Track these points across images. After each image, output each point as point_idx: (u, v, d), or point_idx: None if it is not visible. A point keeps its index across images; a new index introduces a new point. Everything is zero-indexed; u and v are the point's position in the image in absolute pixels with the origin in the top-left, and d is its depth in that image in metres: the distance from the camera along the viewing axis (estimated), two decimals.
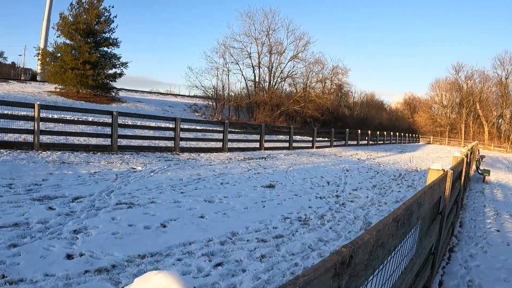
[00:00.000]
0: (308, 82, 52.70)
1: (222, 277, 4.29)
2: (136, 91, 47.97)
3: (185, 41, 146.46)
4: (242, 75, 50.65)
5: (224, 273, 4.38)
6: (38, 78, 43.75)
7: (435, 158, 26.46)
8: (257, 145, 20.28)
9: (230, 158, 15.22)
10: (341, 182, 11.68)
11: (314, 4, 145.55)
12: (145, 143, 15.36)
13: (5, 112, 12.30)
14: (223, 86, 45.76)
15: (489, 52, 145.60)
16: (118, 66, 34.73)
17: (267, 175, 11.74)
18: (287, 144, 22.74)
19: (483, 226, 8.00)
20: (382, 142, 41.61)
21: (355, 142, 33.12)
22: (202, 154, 15.65)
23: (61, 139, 13.15)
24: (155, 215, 6.33)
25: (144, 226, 5.68)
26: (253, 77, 50.09)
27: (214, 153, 16.50)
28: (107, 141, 13.74)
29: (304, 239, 5.95)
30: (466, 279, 5.04)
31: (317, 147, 25.52)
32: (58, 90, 32.30)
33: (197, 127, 21.80)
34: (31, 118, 11.83)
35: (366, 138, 35.88)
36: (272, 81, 50.05)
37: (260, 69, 49.92)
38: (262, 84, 50.11)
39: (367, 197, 9.88)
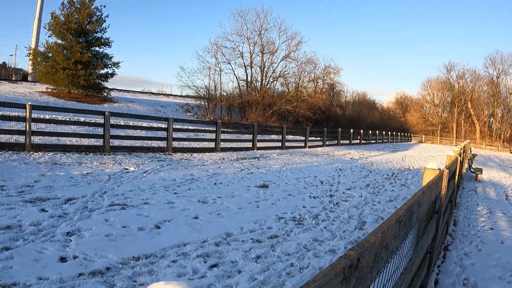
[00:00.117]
0: (300, 81, 52.74)
1: (218, 278, 4.26)
2: (128, 91, 47.76)
3: (177, 40, 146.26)
4: (234, 74, 50.75)
5: (219, 275, 4.35)
6: (29, 78, 43.49)
7: (427, 157, 26.57)
8: (249, 145, 20.25)
9: (223, 158, 15.18)
10: (335, 182, 11.68)
11: (306, 4, 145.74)
12: (138, 143, 15.28)
13: None
14: (215, 86, 45.72)
15: (481, 52, 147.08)
16: (110, 66, 34.57)
17: (261, 175, 11.72)
18: (279, 144, 22.72)
19: (477, 225, 8.03)
20: (374, 141, 41.71)
21: (347, 142, 33.17)
22: (195, 154, 15.60)
23: (53, 140, 13.05)
24: (148, 216, 6.29)
25: (138, 228, 5.64)
26: (245, 77, 50.05)
27: (207, 153, 16.45)
28: (99, 142, 13.65)
29: (299, 239, 5.94)
30: (462, 278, 5.05)
31: (309, 147, 25.53)
32: (50, 90, 32.09)
33: (190, 127, 21.74)
34: (23, 119, 11.71)
35: (359, 138, 35.95)
36: (264, 81, 50.06)
37: (252, 68, 49.90)
38: (254, 84, 50.05)
39: (361, 196, 9.89)
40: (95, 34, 33.69)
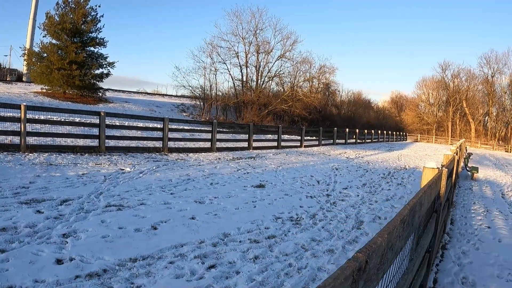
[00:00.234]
0: (296, 81, 52.75)
1: (216, 279, 4.23)
2: (123, 91, 47.64)
3: (172, 40, 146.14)
4: (230, 74, 50.42)
5: (217, 276, 4.32)
6: (24, 78, 43.23)
7: (423, 156, 26.62)
8: (245, 144, 20.22)
9: (219, 158, 15.15)
10: (331, 181, 11.68)
11: (301, 3, 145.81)
12: (133, 143, 15.23)
13: None
14: (210, 86, 45.58)
15: (476, 51, 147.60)
16: (105, 66, 34.38)
17: (257, 174, 11.69)
18: (275, 144, 22.71)
19: (474, 223, 8.04)
20: (370, 140, 41.79)
21: (343, 141, 33.20)
22: (190, 154, 15.55)
23: (48, 141, 12.98)
24: (145, 217, 6.26)
25: (134, 229, 5.60)
26: (240, 77, 49.95)
27: (203, 153, 16.41)
28: (95, 142, 13.59)
29: (296, 239, 5.92)
30: (460, 276, 5.05)
31: (305, 146, 25.53)
32: (45, 90, 31.94)
33: (185, 127, 21.67)
34: (17, 120, 11.64)
35: (354, 137, 36.00)
36: (259, 81, 49.98)
37: (248, 68, 49.82)
38: (249, 84, 49.98)
39: (358, 195, 9.89)
40: (90, 34, 33.52)
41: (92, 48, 33.95)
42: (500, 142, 67.56)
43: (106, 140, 13.75)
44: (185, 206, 7.17)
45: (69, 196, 7.03)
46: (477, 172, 15.82)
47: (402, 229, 1.71)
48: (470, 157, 19.24)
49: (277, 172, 12.48)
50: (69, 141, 13.55)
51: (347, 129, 34.45)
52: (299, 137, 25.94)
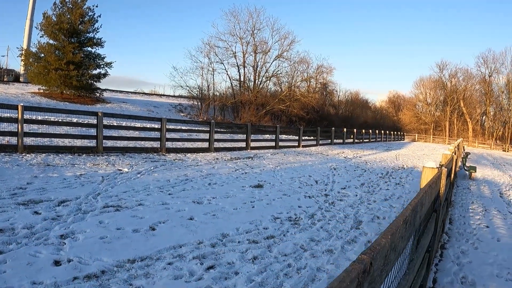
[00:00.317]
0: (293, 81, 52.82)
1: (215, 280, 4.21)
2: (121, 92, 47.64)
3: (169, 40, 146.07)
4: (227, 74, 50.50)
5: (216, 276, 4.30)
6: (21, 79, 43.25)
7: (421, 156, 26.64)
8: (243, 144, 20.20)
9: (217, 158, 15.13)
10: (329, 181, 11.66)
11: (299, 3, 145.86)
12: (131, 144, 15.20)
13: None
14: (208, 86, 45.66)
15: (473, 51, 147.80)
16: (102, 66, 34.40)
17: (255, 175, 11.67)
18: (273, 144, 22.69)
19: (473, 223, 8.04)
20: (367, 140, 41.81)
21: (341, 141, 33.21)
22: (188, 155, 15.53)
23: (46, 141, 12.94)
24: (143, 217, 6.23)
25: (132, 230, 5.57)
26: (238, 77, 50.02)
27: (201, 153, 16.38)
28: (92, 143, 13.55)
29: (295, 239, 5.90)
30: (460, 276, 5.04)
31: (303, 146, 25.52)
32: (42, 91, 31.92)
33: (183, 127, 21.65)
34: (15, 120, 11.59)
35: (352, 137, 36.01)
36: (257, 81, 50.08)
37: (245, 68, 49.88)
38: (247, 84, 50.02)
39: (356, 195, 9.87)
40: (88, 34, 33.54)
41: (89, 48, 34.00)
42: (498, 141, 67.69)
43: (104, 141, 13.71)
44: (183, 207, 7.14)
45: (67, 197, 7.00)
46: (475, 171, 15.84)
47: (405, 229, 1.70)
48: (468, 157, 19.27)
49: (275, 172, 12.46)
50: (66, 142, 13.52)
51: (344, 129, 34.47)
52: (297, 137, 25.93)
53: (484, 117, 75.83)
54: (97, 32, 34.01)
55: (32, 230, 5.13)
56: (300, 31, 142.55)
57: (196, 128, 22.36)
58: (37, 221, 5.50)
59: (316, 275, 4.64)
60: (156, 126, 16.91)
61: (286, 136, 27.89)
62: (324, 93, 67.36)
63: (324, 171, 13.90)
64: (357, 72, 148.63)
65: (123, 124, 18.41)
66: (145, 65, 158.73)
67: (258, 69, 49.92)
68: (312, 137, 29.23)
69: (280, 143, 23.39)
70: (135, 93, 52.01)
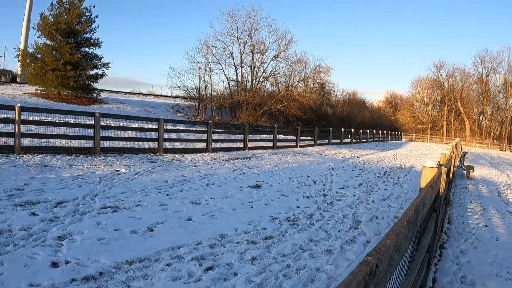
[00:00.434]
0: (291, 81, 52.79)
1: (214, 281, 4.19)
2: (118, 92, 47.57)
3: (167, 41, 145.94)
4: (225, 75, 50.44)
5: (215, 277, 4.28)
6: (18, 79, 43.14)
7: (418, 155, 26.68)
8: (241, 145, 20.19)
9: (215, 159, 15.10)
10: (327, 181, 11.65)
11: (296, 3, 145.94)
12: (128, 144, 15.18)
13: None
14: (205, 86, 45.56)
15: (470, 51, 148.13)
16: (99, 66, 34.30)
17: (253, 175, 11.65)
18: (271, 144, 22.69)
19: (471, 222, 8.05)
20: (365, 140, 41.85)
21: (338, 141, 33.23)
22: (186, 155, 15.50)
23: (43, 142, 12.90)
24: (141, 218, 6.20)
25: (130, 231, 5.54)
26: (235, 77, 49.96)
27: (198, 154, 16.36)
28: (90, 143, 13.51)
29: (294, 239, 5.88)
30: (459, 275, 5.04)
31: (301, 146, 25.54)
32: (39, 91, 31.84)
33: (181, 128, 21.63)
34: (12, 121, 11.55)
35: (349, 137, 36.04)
36: (254, 81, 49.97)
37: (243, 68, 49.82)
38: (244, 84, 49.97)
39: (354, 195, 9.87)
40: (85, 35, 33.43)
41: (86, 49, 33.90)
42: (495, 141, 67.91)
43: (101, 141, 13.68)
44: (181, 207, 7.12)
45: (64, 198, 6.96)
46: (473, 171, 15.86)
47: (408, 230, 1.69)
48: (466, 156, 19.30)
49: (273, 172, 12.44)
50: (64, 142, 13.46)
51: (342, 129, 34.49)
52: (294, 137, 25.93)
53: (481, 116, 76.06)
54: (94, 32, 33.95)
55: (30, 232, 5.10)
56: (297, 31, 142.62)
57: (194, 129, 22.35)
58: (35, 223, 5.46)
59: (315, 275, 4.63)
60: (154, 127, 16.87)
61: (284, 136, 27.89)
62: (322, 93, 67.35)
63: (322, 171, 13.89)
64: (354, 72, 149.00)
65: (121, 125, 18.37)
66: (142, 65, 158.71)
67: (256, 69, 49.89)
68: (309, 137, 29.24)
69: (278, 143, 23.39)
70: (132, 93, 51.89)
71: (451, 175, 7.23)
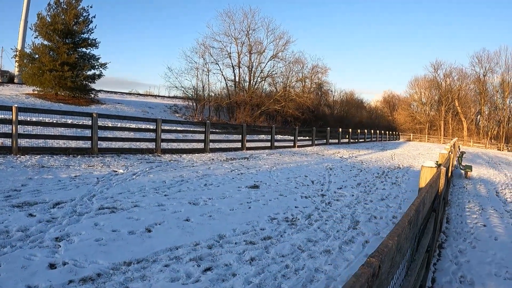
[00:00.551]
0: (288, 81, 52.77)
1: (212, 282, 4.17)
2: (116, 93, 47.46)
3: (164, 41, 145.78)
4: (222, 75, 50.33)
5: (214, 278, 4.27)
6: (15, 80, 43.05)
7: (416, 155, 26.70)
8: (239, 145, 20.17)
9: (213, 159, 15.08)
10: (326, 181, 11.64)
11: (293, 3, 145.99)
12: (126, 145, 15.16)
13: None
14: (203, 87, 45.50)
15: (467, 50, 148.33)
16: (97, 67, 34.19)
17: (251, 175, 11.64)
18: (268, 144, 22.68)
19: (470, 222, 8.05)
20: (363, 140, 41.87)
21: (336, 141, 33.25)
22: (184, 155, 15.48)
23: (40, 143, 12.87)
24: (139, 219, 6.18)
25: (128, 231, 5.52)
26: (233, 77, 49.96)
27: (196, 154, 16.34)
28: (87, 144, 13.49)
29: (292, 240, 5.87)
30: (458, 275, 5.04)
31: (299, 146, 25.54)
32: (36, 92, 31.74)
33: (178, 128, 21.61)
34: (9, 121, 11.52)
35: (347, 137, 36.06)
36: (252, 81, 49.97)
37: (240, 69, 49.82)
38: (242, 84, 49.98)
39: (353, 195, 9.86)
40: (82, 35, 33.32)
41: (84, 49, 33.78)
42: (492, 140, 67.98)
43: (99, 142, 13.65)
44: (179, 208, 7.10)
45: (62, 199, 6.94)
46: (471, 170, 15.87)
47: (409, 230, 1.68)
48: (463, 156, 19.30)
49: (271, 173, 12.43)
50: (61, 143, 13.42)
51: (340, 129, 34.50)
52: (292, 137, 25.93)
53: (478, 116, 76.12)
54: (92, 32, 33.84)
55: (27, 233, 5.08)
56: (295, 31, 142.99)
57: (192, 129, 22.35)
58: (32, 224, 5.44)
59: (314, 276, 4.61)
60: (151, 127, 16.85)
61: (282, 136, 27.91)
62: (319, 93, 67.37)
63: (320, 171, 13.88)
64: (352, 72, 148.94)
65: (118, 125, 18.29)
66: (139, 66, 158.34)
67: (253, 69, 49.89)
68: (307, 137, 29.24)
69: (276, 144, 23.37)
70: (130, 94, 51.81)
71: (449, 174, 7.22)
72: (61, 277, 3.96)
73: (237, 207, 7.57)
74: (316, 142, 29.10)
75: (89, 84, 34.16)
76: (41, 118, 14.57)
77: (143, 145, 15.61)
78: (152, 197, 7.73)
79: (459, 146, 25.55)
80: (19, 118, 11.67)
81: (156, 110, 38.35)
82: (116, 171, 10.38)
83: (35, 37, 31.75)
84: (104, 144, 14.25)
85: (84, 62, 33.19)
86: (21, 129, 12.26)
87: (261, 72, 50.55)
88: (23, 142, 12.10)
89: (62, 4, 31.99)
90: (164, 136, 16.53)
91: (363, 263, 1.15)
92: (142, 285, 3.97)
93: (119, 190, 8.08)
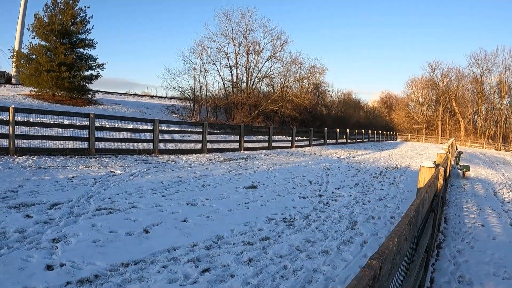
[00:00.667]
0: (286, 81, 52.77)
1: (210, 283, 4.16)
2: (113, 93, 47.43)
3: (162, 41, 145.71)
4: (220, 75, 50.36)
5: (212, 279, 4.25)
6: (13, 81, 42.96)
7: (414, 155, 26.72)
8: (236, 145, 20.15)
9: (210, 160, 15.07)
10: (323, 181, 11.64)
11: (291, 3, 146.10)
12: (124, 145, 15.13)
13: None
14: (200, 87, 45.54)
15: (465, 50, 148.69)
16: (94, 67, 34.18)
17: (249, 175, 11.63)
18: (266, 144, 22.66)
19: (468, 222, 8.06)
20: (360, 140, 41.86)
21: (333, 141, 33.24)
22: (181, 156, 15.45)
23: (37, 143, 12.82)
24: (136, 220, 6.17)
25: (126, 233, 5.51)
26: (230, 78, 49.97)
27: (194, 155, 16.32)
28: (85, 145, 13.46)
29: (291, 240, 5.86)
30: (457, 275, 5.04)
31: (296, 147, 25.52)
32: (34, 93, 31.70)
33: (176, 129, 21.59)
34: (6, 122, 11.48)
35: (345, 137, 36.05)
36: (249, 81, 50.02)
37: (238, 69, 49.80)
38: (239, 84, 49.96)
39: (350, 195, 9.85)
40: (79, 36, 33.34)
41: (81, 50, 33.81)
42: (490, 140, 68.14)
43: (96, 142, 13.62)
44: (177, 209, 7.08)
45: (59, 200, 6.92)
46: (468, 170, 15.90)
47: (409, 231, 1.67)
48: (461, 156, 19.33)
49: (269, 173, 12.42)
50: (58, 144, 13.38)
51: (337, 129, 34.50)
52: (289, 138, 25.92)
53: (476, 116, 76.25)
54: (89, 33, 33.86)
55: (24, 234, 5.06)
56: (292, 31, 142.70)
57: (189, 129, 22.29)
58: (29, 225, 5.42)
59: (312, 276, 4.60)
60: (149, 128, 16.81)
61: (279, 136, 27.87)
62: (317, 94, 67.39)
63: (318, 171, 13.88)
64: (349, 72, 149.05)
65: (116, 126, 18.26)
66: (137, 66, 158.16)
67: (251, 70, 49.93)
68: (305, 138, 29.24)
69: (273, 144, 23.35)
70: (127, 94, 51.79)
71: (447, 174, 7.22)
72: (59, 278, 3.94)
73: (235, 208, 7.56)
74: (313, 142, 29.10)
75: (87, 84, 34.16)
76: (38, 119, 14.56)
77: (141, 145, 15.58)
78: (149, 198, 7.72)
79: (456, 146, 25.58)
80: (16, 118, 11.62)
81: (153, 110, 38.35)
82: (114, 172, 10.35)
83: (32, 38, 31.78)
84: (101, 145, 14.22)
85: (82, 62, 33.17)
86: (18, 129, 12.21)
87: (258, 73, 50.65)
88: (20, 143, 12.06)
89: (60, 4, 31.99)
90: (161, 136, 16.50)
91: (364, 265, 1.14)
92: (140, 286, 3.95)
93: (117, 191, 8.05)
